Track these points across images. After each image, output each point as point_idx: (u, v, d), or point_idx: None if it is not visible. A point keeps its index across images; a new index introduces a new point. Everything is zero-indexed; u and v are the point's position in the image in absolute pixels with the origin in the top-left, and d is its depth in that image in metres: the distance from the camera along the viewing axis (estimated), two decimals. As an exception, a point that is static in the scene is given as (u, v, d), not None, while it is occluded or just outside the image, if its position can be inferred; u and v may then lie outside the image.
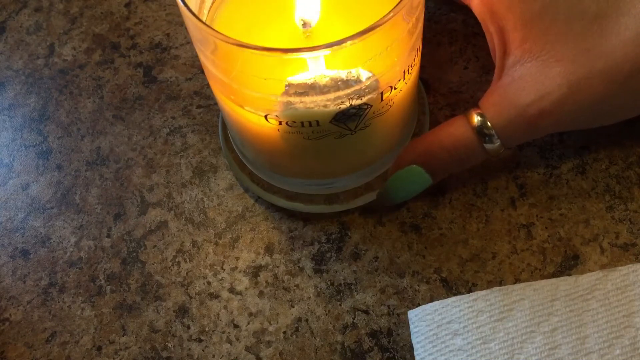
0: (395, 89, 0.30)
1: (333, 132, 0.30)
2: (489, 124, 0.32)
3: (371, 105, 0.30)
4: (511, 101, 0.32)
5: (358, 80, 0.29)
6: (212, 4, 0.33)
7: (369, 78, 0.29)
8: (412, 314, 0.32)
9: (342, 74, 0.29)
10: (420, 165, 0.34)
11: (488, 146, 0.33)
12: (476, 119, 0.32)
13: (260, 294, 0.35)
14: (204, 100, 0.40)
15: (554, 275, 0.34)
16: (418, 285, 0.34)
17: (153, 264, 0.36)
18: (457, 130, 0.33)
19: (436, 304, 0.32)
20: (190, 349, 0.34)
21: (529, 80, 0.32)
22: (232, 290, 0.35)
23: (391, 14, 0.26)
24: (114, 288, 0.36)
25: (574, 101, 0.31)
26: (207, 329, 0.34)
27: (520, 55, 0.32)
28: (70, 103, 0.41)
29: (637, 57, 0.30)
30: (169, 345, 0.34)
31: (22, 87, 0.42)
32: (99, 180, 0.38)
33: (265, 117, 0.30)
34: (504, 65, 0.33)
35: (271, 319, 0.34)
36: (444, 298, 0.33)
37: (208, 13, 0.33)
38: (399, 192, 0.35)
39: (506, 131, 0.32)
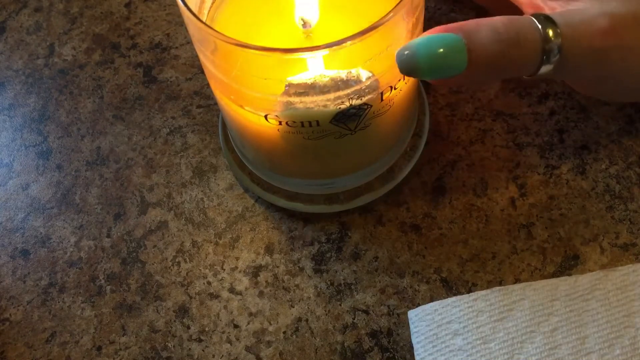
0: (395, 89, 0.30)
1: (333, 132, 0.30)
2: (556, 29, 0.29)
3: (371, 105, 0.30)
4: (579, 11, 0.30)
5: (358, 80, 0.29)
6: (212, 4, 0.33)
7: (369, 78, 0.29)
8: (412, 314, 0.32)
9: (342, 74, 0.29)
10: (464, 38, 0.28)
11: (543, 68, 0.29)
12: (542, 16, 0.29)
13: (260, 294, 0.35)
14: (204, 100, 0.40)
15: (554, 275, 0.34)
16: (418, 285, 0.34)
17: (153, 264, 0.36)
18: (519, 21, 0.29)
19: (436, 304, 0.32)
20: (190, 349, 0.34)
21: (591, 4, 0.30)
22: (232, 290, 0.35)
23: (391, 14, 0.26)
24: (114, 288, 0.36)
25: (637, 30, 0.30)
26: (207, 329, 0.34)
27: None
28: (70, 103, 0.41)
29: None
30: (169, 345, 0.34)
31: (22, 87, 0.42)
32: (99, 180, 0.38)
33: (265, 117, 0.30)
34: (554, 7, 0.31)
35: (271, 319, 0.34)
36: (444, 298, 0.33)
37: (208, 13, 0.33)
38: (425, 58, 0.28)
39: (572, 41, 0.29)
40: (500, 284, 0.34)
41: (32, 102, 0.41)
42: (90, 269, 0.36)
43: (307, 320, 0.34)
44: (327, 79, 0.29)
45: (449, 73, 0.29)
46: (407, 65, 0.28)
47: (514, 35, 0.29)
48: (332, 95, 0.29)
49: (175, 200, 0.38)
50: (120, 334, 0.34)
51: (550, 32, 0.29)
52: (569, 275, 0.34)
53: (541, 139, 0.37)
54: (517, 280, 0.34)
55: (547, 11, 0.31)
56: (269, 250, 0.36)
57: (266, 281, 0.35)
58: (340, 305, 0.34)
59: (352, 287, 0.35)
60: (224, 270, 0.35)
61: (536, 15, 0.29)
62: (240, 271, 0.35)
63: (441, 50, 0.28)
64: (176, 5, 0.32)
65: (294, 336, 0.34)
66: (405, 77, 0.30)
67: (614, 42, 0.30)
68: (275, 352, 0.33)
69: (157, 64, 0.42)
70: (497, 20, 0.29)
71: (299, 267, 0.35)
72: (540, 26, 0.29)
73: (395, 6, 0.26)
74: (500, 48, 0.28)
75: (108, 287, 0.36)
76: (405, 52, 0.28)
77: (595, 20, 0.30)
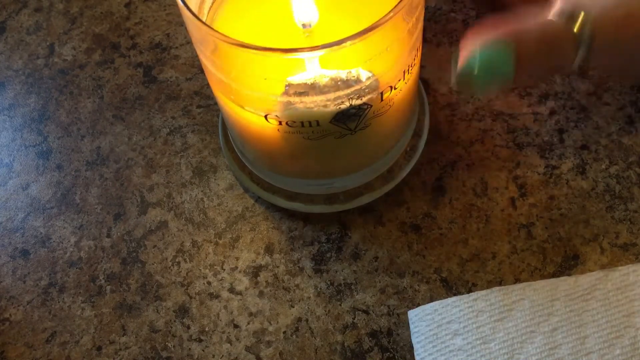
0: (395, 89, 0.30)
1: (333, 132, 0.30)
2: (582, 13, 0.29)
3: (371, 105, 0.30)
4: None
5: (358, 80, 0.29)
6: (212, 4, 0.33)
7: (369, 78, 0.29)
8: (412, 314, 0.32)
9: (342, 74, 0.29)
10: (514, 42, 0.29)
11: (580, 53, 0.30)
12: (565, 4, 0.30)
13: (260, 294, 0.35)
14: (204, 100, 0.40)
15: (554, 275, 0.34)
16: (418, 285, 0.34)
17: (153, 264, 0.36)
18: (551, 25, 0.30)
19: (436, 304, 0.32)
20: (190, 349, 0.34)
21: None
22: (232, 290, 0.35)
23: (391, 14, 0.26)
24: (114, 288, 0.36)
25: None
26: (207, 329, 0.34)
27: None
28: (70, 103, 0.41)
29: None
30: (169, 345, 0.34)
31: (22, 87, 0.42)
32: (99, 180, 0.38)
33: (265, 117, 0.30)
34: None
35: (271, 319, 0.34)
36: (444, 298, 0.33)
37: (208, 13, 0.33)
38: (483, 73, 0.30)
39: (601, 21, 0.29)
40: (500, 284, 0.34)
41: (32, 102, 0.41)
42: (90, 269, 0.36)
43: (307, 320, 0.34)
44: (327, 79, 0.29)
45: (495, 86, 0.30)
46: (466, 85, 0.30)
47: (551, 37, 0.30)
48: (332, 95, 0.29)
49: (175, 200, 0.38)
50: (120, 334, 0.34)
51: (580, 19, 0.30)
52: (569, 275, 0.34)
53: (541, 139, 0.37)
54: (517, 280, 0.34)
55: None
56: (269, 250, 0.36)
57: (266, 281, 0.35)
58: (340, 305, 0.34)
59: (352, 287, 0.35)
60: (224, 270, 0.35)
61: (561, 12, 0.30)
62: (240, 271, 0.35)
63: (493, 66, 0.29)
64: (176, 5, 0.32)
65: (294, 336, 0.34)
66: (405, 77, 0.30)
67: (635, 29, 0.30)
68: (275, 352, 0.33)
69: (157, 64, 0.42)
70: (532, 25, 0.30)
71: (299, 267, 0.35)
72: (569, 17, 0.30)
73: (395, 6, 0.26)
74: (541, 51, 0.30)
75: (108, 287, 0.36)
76: (464, 72, 0.29)
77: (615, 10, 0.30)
